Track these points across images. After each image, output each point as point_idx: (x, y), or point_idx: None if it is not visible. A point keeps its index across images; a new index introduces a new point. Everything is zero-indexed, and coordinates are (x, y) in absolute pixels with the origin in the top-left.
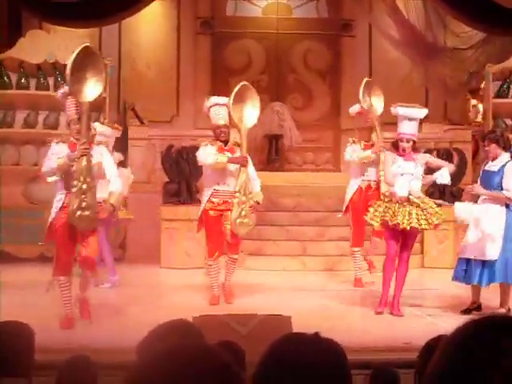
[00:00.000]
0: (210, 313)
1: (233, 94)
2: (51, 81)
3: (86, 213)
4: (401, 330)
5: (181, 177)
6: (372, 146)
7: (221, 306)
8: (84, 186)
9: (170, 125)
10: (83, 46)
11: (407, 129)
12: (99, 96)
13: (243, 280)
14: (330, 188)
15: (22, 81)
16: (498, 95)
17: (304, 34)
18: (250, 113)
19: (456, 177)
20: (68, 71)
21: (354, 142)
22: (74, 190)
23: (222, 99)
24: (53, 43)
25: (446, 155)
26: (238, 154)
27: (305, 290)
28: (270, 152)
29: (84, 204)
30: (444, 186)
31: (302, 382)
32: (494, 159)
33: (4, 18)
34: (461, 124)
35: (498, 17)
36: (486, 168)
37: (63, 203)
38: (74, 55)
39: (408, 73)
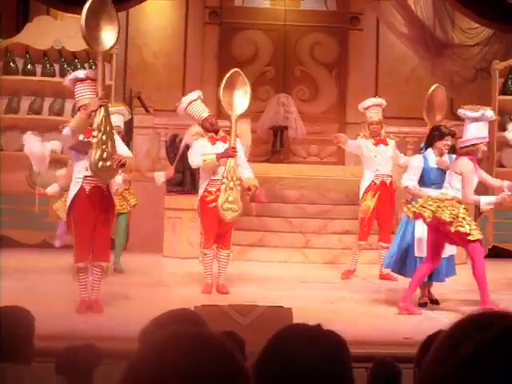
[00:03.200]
0: (211, 303)
1: (224, 80)
2: (57, 67)
3: (108, 163)
4: (402, 325)
5: (185, 166)
6: (382, 141)
7: (222, 296)
8: (104, 137)
9: (176, 114)
10: None
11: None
12: (112, 47)
13: (245, 271)
14: (334, 181)
15: (28, 67)
16: (504, 92)
17: (311, 27)
18: (241, 99)
19: None
20: (83, 20)
21: (364, 136)
22: (94, 140)
23: (193, 94)
24: (60, 30)
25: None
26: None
27: (306, 282)
28: (275, 144)
29: (105, 154)
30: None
31: (303, 373)
32: (442, 155)
33: (12, 4)
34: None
35: (505, 14)
36: (433, 165)
37: (81, 189)
38: (88, 4)
39: (415, 68)
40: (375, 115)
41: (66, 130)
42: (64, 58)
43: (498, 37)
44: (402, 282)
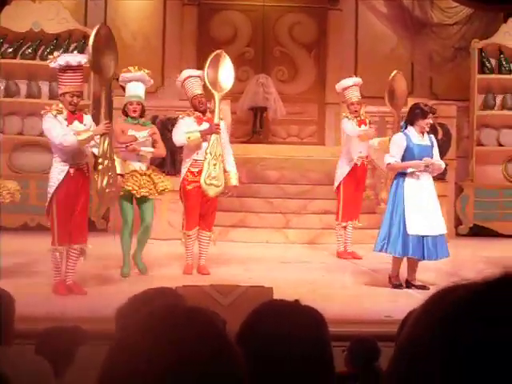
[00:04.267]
0: (192, 283)
1: (208, 59)
2: (39, 50)
3: (113, 189)
4: (382, 303)
5: (165, 148)
6: (363, 121)
7: (203, 277)
8: (110, 164)
9: (155, 96)
10: (101, 24)
11: None
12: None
13: (226, 251)
14: (314, 161)
15: (10, 50)
16: (483, 72)
17: (290, 7)
18: (225, 79)
19: (441, 152)
20: (90, 48)
21: (347, 117)
22: (100, 167)
23: (196, 71)
24: (38, 12)
25: (430, 130)
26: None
27: (287, 262)
28: (255, 124)
29: (111, 181)
30: None
31: (282, 346)
32: (423, 133)
33: None
34: (446, 99)
35: None
36: (418, 142)
37: (67, 174)
38: (95, 31)
39: (394, 47)
40: (355, 95)
41: (71, 141)
42: (43, 41)
43: (478, 16)
44: (382, 260)
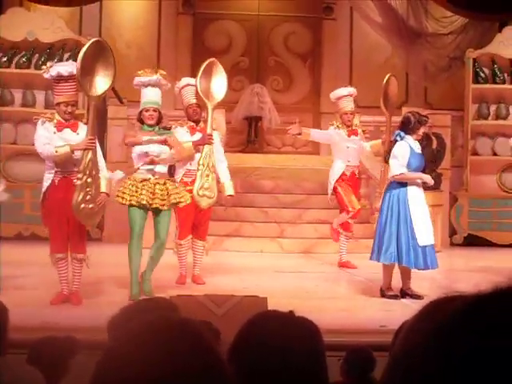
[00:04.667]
0: (187, 293)
1: (201, 68)
2: (34, 59)
3: (90, 205)
4: (377, 313)
5: None
6: (354, 132)
7: (198, 286)
8: (89, 180)
9: None
10: (94, 40)
11: None
12: (106, 90)
13: (220, 261)
14: (309, 170)
15: (4, 59)
16: (477, 81)
17: (285, 17)
18: (218, 88)
19: (435, 161)
20: (78, 63)
21: (338, 127)
22: (78, 182)
23: (192, 80)
24: (33, 21)
25: (425, 139)
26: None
27: (282, 271)
28: (250, 134)
29: (88, 197)
30: (423, 171)
31: (276, 358)
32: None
33: None
34: (440, 109)
35: (478, 2)
36: (418, 151)
37: (51, 183)
38: (85, 48)
39: (389, 57)
40: (348, 105)
41: (50, 151)
42: (37, 50)
43: (472, 25)
44: (377, 270)
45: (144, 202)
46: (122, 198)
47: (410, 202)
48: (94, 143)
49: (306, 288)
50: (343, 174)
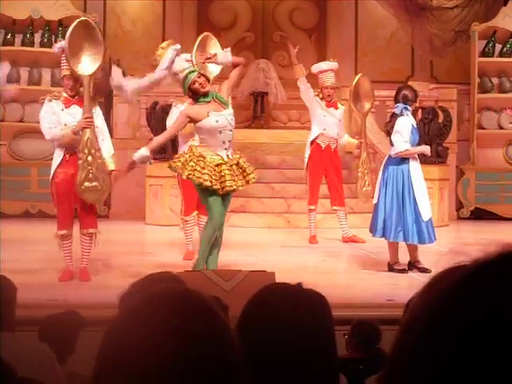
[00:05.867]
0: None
1: (196, 43)
2: (37, 37)
3: (94, 183)
4: (384, 287)
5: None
6: (333, 104)
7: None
8: (89, 158)
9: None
10: (80, 19)
11: None
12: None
13: (228, 237)
14: None
15: (8, 37)
16: (484, 54)
17: None
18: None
19: (441, 135)
20: (65, 45)
21: (318, 95)
22: (79, 162)
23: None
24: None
25: (431, 113)
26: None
27: (289, 246)
28: (255, 109)
29: (91, 175)
30: (430, 144)
31: (285, 329)
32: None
33: None
34: (446, 83)
35: None
36: (415, 126)
37: (62, 159)
38: (71, 29)
39: (394, 31)
40: (329, 79)
41: (55, 135)
42: (42, 28)
43: None
44: (384, 244)
45: (230, 188)
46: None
47: (412, 178)
48: (92, 122)
49: (313, 263)
50: (318, 145)
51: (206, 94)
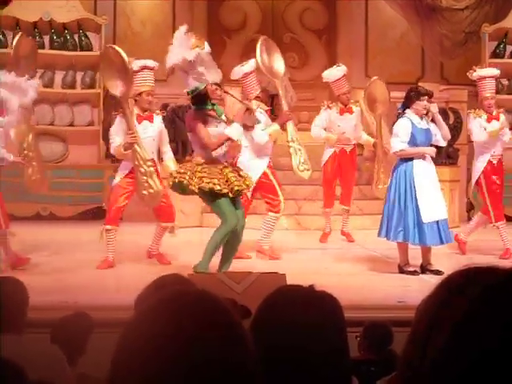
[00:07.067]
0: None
1: (258, 49)
2: (47, 39)
3: (150, 190)
4: (395, 289)
5: (176, 136)
6: (348, 110)
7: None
8: (142, 169)
9: (166, 84)
10: (108, 47)
11: None
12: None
13: None
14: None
15: None
16: (494, 55)
17: None
18: (278, 63)
19: (452, 137)
20: (100, 74)
21: (328, 107)
22: (138, 174)
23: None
24: (49, 1)
25: (442, 115)
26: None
27: (300, 248)
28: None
29: (146, 184)
30: (440, 146)
31: (298, 332)
32: (422, 116)
33: None
34: (457, 84)
35: None
36: (420, 126)
37: (130, 171)
38: (101, 55)
39: (404, 32)
40: (345, 85)
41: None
42: (53, 30)
43: (487, 0)
44: (394, 246)
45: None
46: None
47: (415, 178)
48: (136, 137)
49: (324, 264)
50: (334, 152)
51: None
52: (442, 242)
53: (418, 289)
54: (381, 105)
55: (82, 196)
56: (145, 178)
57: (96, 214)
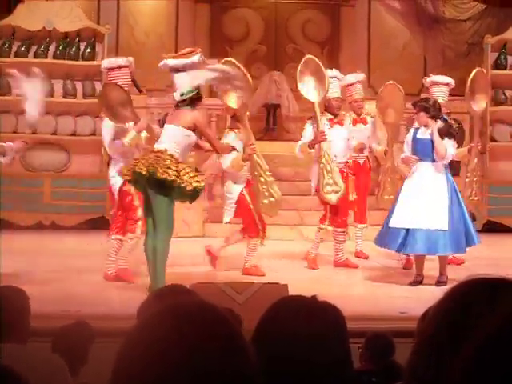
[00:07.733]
0: (208, 281)
1: (299, 68)
2: (52, 47)
3: (272, 199)
4: (397, 299)
5: None
6: (362, 120)
7: (219, 274)
8: (261, 179)
9: (168, 93)
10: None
11: None
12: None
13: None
14: None
15: (22, 49)
16: (496, 66)
17: (303, 4)
18: (319, 85)
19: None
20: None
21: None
22: (258, 184)
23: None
24: (51, 10)
25: (446, 126)
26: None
27: (302, 259)
28: (268, 121)
29: (266, 193)
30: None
31: (300, 344)
32: (425, 127)
33: None
34: (459, 95)
35: None
36: (420, 136)
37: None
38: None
39: (407, 43)
40: (358, 92)
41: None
42: (56, 39)
43: (490, 11)
44: (396, 257)
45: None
46: None
47: (404, 185)
48: (255, 148)
49: (326, 275)
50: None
51: None
52: (429, 252)
53: (419, 300)
54: (394, 112)
55: (84, 205)
56: (265, 187)
57: (98, 224)
